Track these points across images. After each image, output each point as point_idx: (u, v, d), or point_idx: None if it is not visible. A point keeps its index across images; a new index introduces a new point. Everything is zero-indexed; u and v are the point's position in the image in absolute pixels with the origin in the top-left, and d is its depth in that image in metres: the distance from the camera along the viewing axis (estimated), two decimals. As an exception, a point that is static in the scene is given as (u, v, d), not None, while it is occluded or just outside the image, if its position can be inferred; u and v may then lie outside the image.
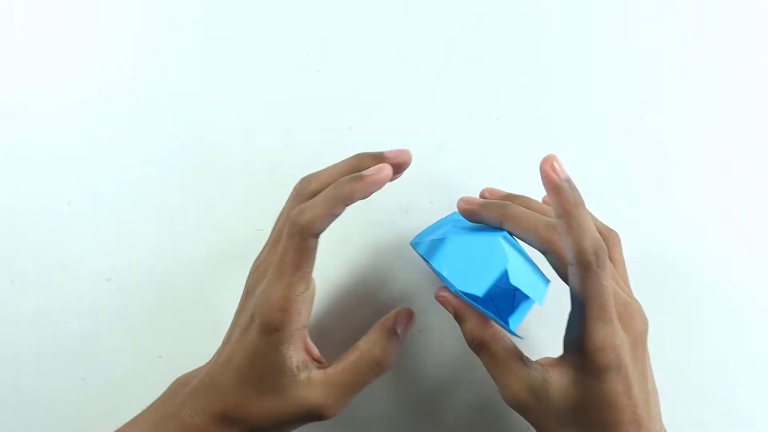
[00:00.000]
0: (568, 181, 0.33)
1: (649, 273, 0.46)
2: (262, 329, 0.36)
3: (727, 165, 0.47)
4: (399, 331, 0.38)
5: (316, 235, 0.36)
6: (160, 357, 0.45)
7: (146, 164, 0.46)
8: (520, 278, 0.35)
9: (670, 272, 0.47)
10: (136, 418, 0.40)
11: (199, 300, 0.46)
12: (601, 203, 0.46)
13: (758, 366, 0.46)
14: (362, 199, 0.37)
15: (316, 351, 0.39)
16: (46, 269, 0.45)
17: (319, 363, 0.38)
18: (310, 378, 0.37)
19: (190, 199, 0.46)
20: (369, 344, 0.38)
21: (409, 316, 0.39)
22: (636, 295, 0.39)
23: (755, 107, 0.48)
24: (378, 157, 0.38)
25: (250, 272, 0.41)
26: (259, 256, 0.42)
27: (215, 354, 0.41)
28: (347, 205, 0.36)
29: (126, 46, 0.46)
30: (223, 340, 0.41)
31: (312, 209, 0.36)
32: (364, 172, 0.37)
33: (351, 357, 0.38)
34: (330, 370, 0.37)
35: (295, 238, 0.36)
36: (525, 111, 0.47)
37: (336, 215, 0.36)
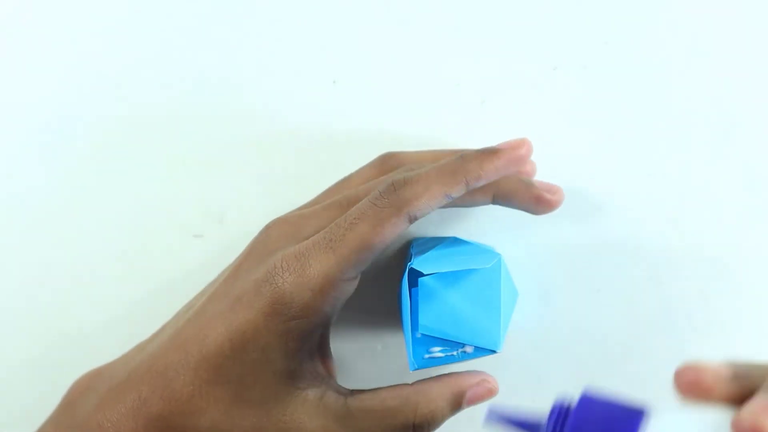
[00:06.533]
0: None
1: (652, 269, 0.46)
2: (274, 309, 0.26)
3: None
4: (467, 403, 0.28)
5: (414, 218, 0.27)
6: (159, 357, 0.45)
7: (147, 165, 0.46)
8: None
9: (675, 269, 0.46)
10: None
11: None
12: (599, 199, 0.46)
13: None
14: (489, 181, 0.27)
15: (333, 365, 0.30)
16: (47, 269, 0.45)
17: (337, 387, 0.29)
18: (322, 401, 0.27)
19: (190, 200, 0.46)
20: (422, 397, 0.27)
21: (490, 392, 0.28)
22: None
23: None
24: (487, 152, 0.28)
25: (264, 230, 0.31)
26: (282, 216, 0.32)
27: (151, 336, 0.31)
28: (469, 187, 0.27)
29: (127, 53, 0.47)
30: (176, 315, 0.31)
31: (423, 182, 0.27)
32: (498, 146, 0.28)
33: (389, 401, 0.27)
34: (353, 404, 0.27)
35: (387, 208, 0.26)
36: (523, 107, 0.47)
37: (451, 198, 0.27)
